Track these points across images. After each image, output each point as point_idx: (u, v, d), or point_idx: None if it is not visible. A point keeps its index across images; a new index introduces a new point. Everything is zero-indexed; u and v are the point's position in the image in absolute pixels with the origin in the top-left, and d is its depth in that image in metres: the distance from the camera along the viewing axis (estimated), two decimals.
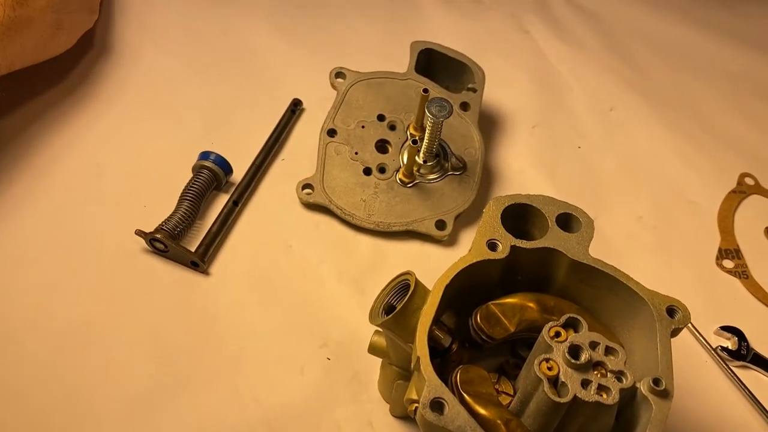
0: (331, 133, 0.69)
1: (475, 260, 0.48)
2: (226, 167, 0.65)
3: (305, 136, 0.73)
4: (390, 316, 0.45)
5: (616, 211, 0.75)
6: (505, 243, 0.50)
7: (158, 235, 0.58)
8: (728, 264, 0.72)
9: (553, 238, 0.51)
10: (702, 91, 0.91)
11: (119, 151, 0.68)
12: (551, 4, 1.01)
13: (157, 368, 0.54)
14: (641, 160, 0.81)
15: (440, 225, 0.66)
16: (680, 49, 0.97)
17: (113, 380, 0.53)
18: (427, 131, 0.64)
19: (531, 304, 0.50)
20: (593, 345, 0.44)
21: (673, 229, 0.75)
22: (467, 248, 0.67)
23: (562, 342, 0.44)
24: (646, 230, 0.74)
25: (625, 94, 0.89)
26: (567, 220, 0.53)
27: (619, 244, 0.72)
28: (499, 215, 0.51)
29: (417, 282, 0.47)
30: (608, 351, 0.44)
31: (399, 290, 0.48)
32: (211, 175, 0.64)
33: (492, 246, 0.50)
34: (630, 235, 0.73)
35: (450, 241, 0.67)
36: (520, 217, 0.54)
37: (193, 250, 0.60)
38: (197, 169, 0.64)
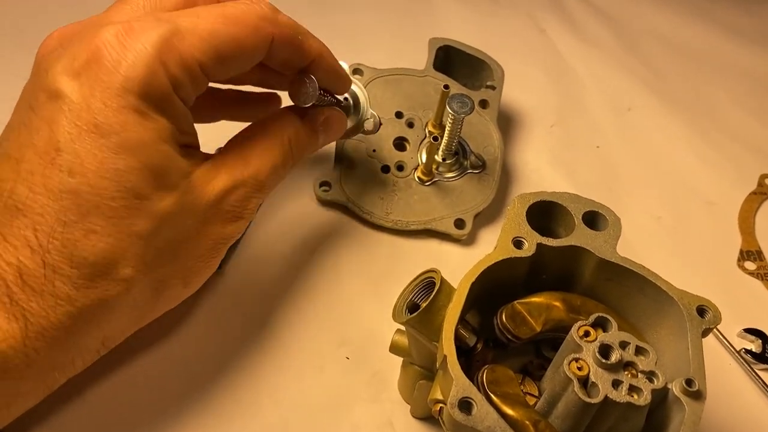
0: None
1: (501, 258, 0.47)
2: None
3: None
4: (415, 314, 0.44)
5: (635, 212, 0.74)
6: (531, 241, 0.49)
7: None
8: (750, 266, 0.71)
9: (579, 236, 0.50)
10: (720, 92, 0.90)
11: None
12: (567, 3, 1.00)
13: (172, 368, 0.54)
14: (660, 161, 0.80)
15: (459, 224, 0.65)
16: (697, 49, 0.96)
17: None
18: (447, 128, 0.63)
19: (557, 304, 0.49)
20: (623, 345, 0.43)
21: (692, 230, 0.74)
22: (486, 248, 0.67)
23: (591, 342, 0.43)
24: (665, 231, 0.73)
25: (643, 93, 0.88)
26: (593, 219, 0.52)
27: (639, 245, 0.71)
28: (524, 212, 0.50)
29: (443, 280, 0.46)
30: (639, 351, 0.43)
31: (423, 288, 0.48)
32: None
33: (518, 244, 0.49)
34: (649, 235, 0.72)
35: (469, 241, 0.66)
36: (545, 214, 0.53)
37: None
38: None
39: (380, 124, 0.60)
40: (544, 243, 0.49)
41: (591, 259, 0.50)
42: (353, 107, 0.58)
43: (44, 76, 0.37)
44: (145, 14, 0.41)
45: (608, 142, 0.81)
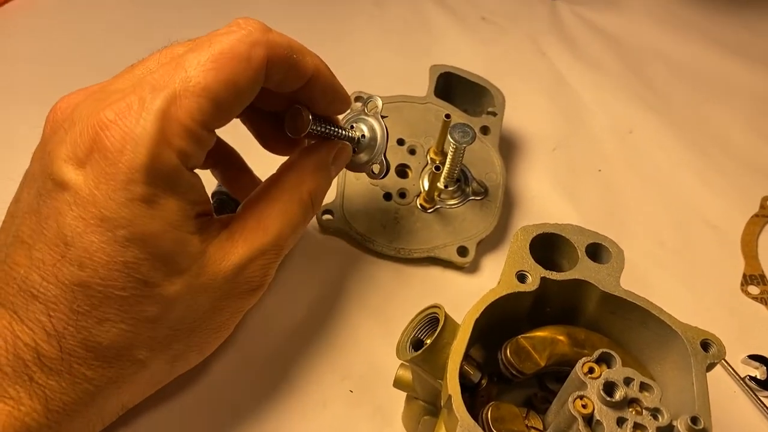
0: None
1: (504, 293, 0.47)
2: None
3: None
4: (419, 352, 0.44)
5: (638, 236, 0.74)
6: (535, 274, 0.49)
7: None
8: (753, 290, 0.71)
9: (583, 269, 0.50)
10: (722, 113, 0.90)
11: None
12: (568, 25, 1.00)
13: (172, 403, 0.54)
14: (662, 184, 0.80)
15: (462, 251, 0.65)
16: (699, 70, 0.97)
17: None
18: (448, 157, 0.64)
19: (561, 338, 0.49)
20: (627, 381, 0.43)
21: (696, 254, 0.74)
22: (489, 275, 0.67)
23: (595, 378, 0.43)
24: (669, 255, 0.73)
25: (645, 115, 0.88)
26: (596, 251, 0.52)
27: (643, 270, 0.71)
28: (528, 245, 0.51)
29: (446, 316, 0.46)
30: (643, 387, 0.43)
31: (427, 324, 0.48)
32: (231, 203, 0.63)
33: (521, 278, 0.49)
34: (653, 260, 0.72)
35: (472, 268, 0.66)
36: (548, 246, 0.53)
37: None
38: (217, 195, 0.63)
39: (387, 171, 0.55)
40: (548, 277, 0.49)
41: (594, 292, 0.50)
42: (368, 144, 0.53)
43: (50, 162, 0.37)
44: (140, 83, 0.38)
45: (610, 165, 0.81)
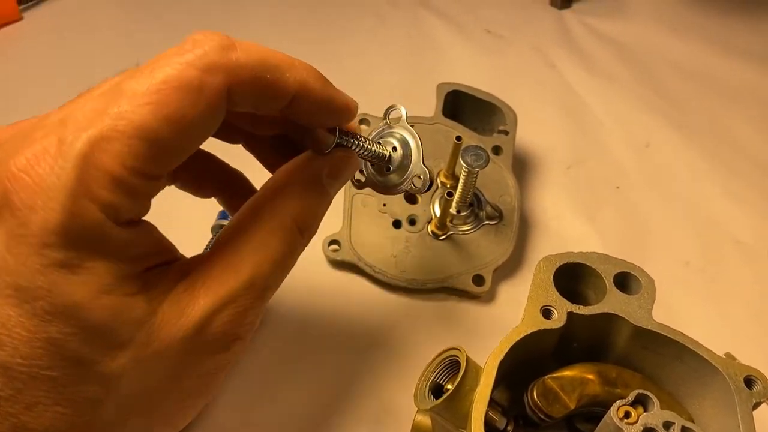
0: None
1: (529, 331, 0.45)
2: None
3: None
4: (440, 400, 0.42)
5: (661, 256, 0.72)
6: (561, 310, 0.46)
7: None
8: None
9: (612, 302, 0.47)
10: (742, 121, 0.88)
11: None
12: (575, 34, 0.98)
13: None
14: (684, 199, 0.78)
15: (478, 280, 0.62)
16: (715, 77, 0.94)
17: None
18: (461, 181, 0.61)
19: (591, 377, 0.46)
20: (667, 425, 0.41)
21: (723, 273, 0.71)
22: (507, 304, 0.64)
23: (633, 424, 0.41)
24: (695, 276, 0.70)
25: (661, 127, 0.86)
26: (625, 280, 0.50)
27: (668, 293, 0.68)
28: (551, 277, 0.48)
29: (468, 360, 0.43)
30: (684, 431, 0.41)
31: (446, 367, 0.45)
32: None
33: (546, 313, 0.46)
34: (678, 282, 0.70)
35: (488, 297, 0.64)
36: (572, 276, 0.51)
37: None
38: (217, 230, 0.61)
39: (431, 181, 0.45)
40: (575, 311, 0.46)
41: (625, 326, 0.47)
42: (401, 159, 0.44)
43: None
44: (66, 119, 0.31)
45: (628, 181, 0.78)
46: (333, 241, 0.64)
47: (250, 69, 0.34)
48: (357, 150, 0.42)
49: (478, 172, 0.60)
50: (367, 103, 0.75)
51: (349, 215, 0.65)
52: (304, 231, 0.39)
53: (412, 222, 0.65)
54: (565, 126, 0.84)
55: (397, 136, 0.45)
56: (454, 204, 0.64)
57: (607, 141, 0.83)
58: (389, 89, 0.85)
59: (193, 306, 0.34)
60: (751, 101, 0.91)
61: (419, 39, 0.94)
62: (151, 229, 0.35)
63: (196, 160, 0.39)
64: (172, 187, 0.47)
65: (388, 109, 0.47)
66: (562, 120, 0.85)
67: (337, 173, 0.42)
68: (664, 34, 1.01)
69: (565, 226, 0.72)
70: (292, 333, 0.59)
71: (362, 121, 0.68)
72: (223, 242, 0.37)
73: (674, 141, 0.84)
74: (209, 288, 0.35)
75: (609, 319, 0.47)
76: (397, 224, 0.65)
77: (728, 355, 0.63)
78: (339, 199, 0.66)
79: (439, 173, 0.68)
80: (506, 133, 0.71)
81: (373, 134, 0.47)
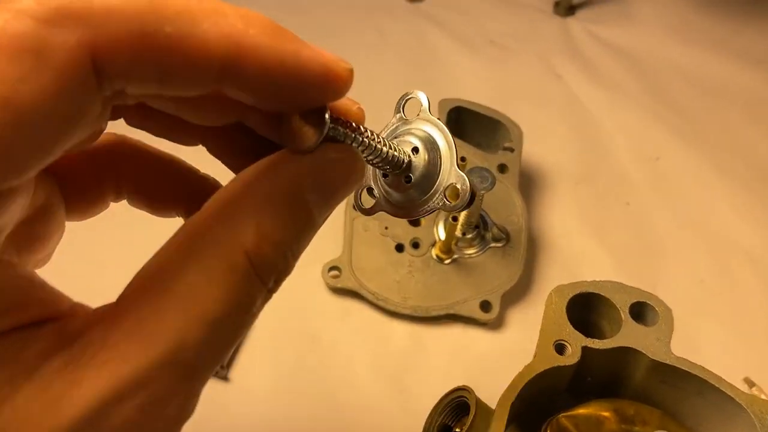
0: None
1: (542, 369, 0.43)
2: None
3: None
4: None
5: (674, 275, 0.70)
6: (575, 344, 0.44)
7: None
8: None
9: (628, 335, 0.45)
10: (754, 131, 0.86)
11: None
12: (581, 43, 0.97)
13: None
14: (696, 214, 0.76)
15: (485, 306, 0.60)
16: (726, 87, 0.92)
17: None
18: None
19: (607, 414, 0.44)
20: None
21: (739, 293, 0.69)
22: (517, 331, 0.62)
23: None
24: (710, 296, 0.68)
25: (671, 140, 0.84)
26: (641, 311, 0.47)
27: (682, 314, 0.65)
28: (564, 309, 0.46)
29: (478, 402, 0.41)
30: None
31: (454, 408, 0.43)
32: None
33: (560, 348, 0.44)
34: (693, 302, 0.68)
35: (496, 324, 0.62)
36: (585, 305, 0.48)
37: None
38: None
39: (473, 193, 0.30)
40: (590, 346, 0.44)
41: (643, 360, 0.45)
42: (427, 165, 0.30)
43: None
44: None
45: (639, 196, 0.76)
46: (333, 267, 0.62)
47: (131, 18, 0.21)
48: (360, 149, 0.27)
49: (483, 194, 0.58)
50: (366, 120, 0.74)
51: (350, 239, 0.63)
52: (265, 273, 0.25)
53: (415, 245, 0.63)
54: (572, 140, 0.82)
55: (419, 133, 0.31)
56: (459, 227, 0.62)
57: (616, 155, 0.81)
58: (389, 105, 0.83)
59: (77, 392, 0.22)
60: (766, 112, 0.89)
61: (421, 52, 0.92)
62: (11, 271, 0.24)
63: (147, 163, 0.31)
64: (123, 203, 0.33)
65: (402, 98, 0.33)
66: (569, 134, 0.83)
67: (326, 184, 0.27)
68: (673, 42, 0.99)
69: (574, 245, 0.70)
70: (288, 366, 0.57)
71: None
72: (136, 290, 0.24)
73: (685, 154, 0.82)
74: (105, 363, 0.22)
75: (625, 352, 0.45)
76: (399, 248, 0.63)
77: (747, 380, 0.61)
78: (339, 221, 0.64)
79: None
80: (512, 150, 0.69)
81: (384, 135, 0.32)
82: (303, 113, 0.26)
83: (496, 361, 0.59)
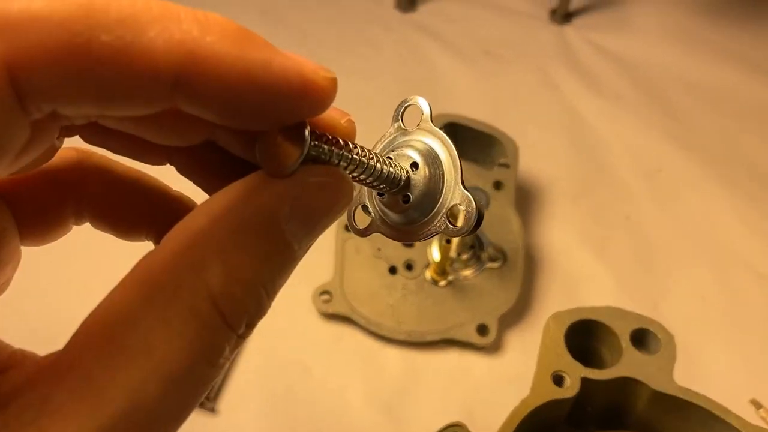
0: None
1: (539, 403, 0.41)
2: None
3: None
4: None
5: (677, 292, 0.68)
6: (574, 375, 0.43)
7: None
8: None
9: (629, 364, 0.44)
10: (757, 142, 0.85)
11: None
12: (578, 52, 0.95)
13: None
14: (699, 228, 0.74)
15: (482, 330, 0.59)
16: (727, 95, 0.91)
17: None
18: None
19: None
20: None
21: (744, 310, 0.67)
22: (515, 355, 0.61)
23: None
24: (713, 313, 0.67)
25: (673, 151, 0.82)
26: (643, 337, 0.46)
27: (684, 333, 0.63)
28: (563, 337, 0.44)
29: None
30: None
31: None
32: None
33: (558, 380, 0.43)
34: (695, 320, 0.66)
35: (494, 347, 0.60)
36: (585, 332, 0.47)
37: None
38: None
39: (480, 214, 0.26)
40: (589, 377, 0.43)
41: (645, 390, 0.44)
42: (428, 183, 0.27)
43: None
44: None
45: (640, 210, 0.75)
46: (324, 292, 0.60)
47: (57, 27, 0.18)
48: (347, 168, 0.25)
49: None
50: (358, 136, 0.72)
51: (341, 262, 0.61)
52: (235, 318, 0.22)
53: (409, 267, 0.62)
54: (570, 152, 0.81)
55: (419, 145, 0.28)
56: (453, 248, 0.60)
57: (616, 167, 0.80)
58: (381, 120, 0.82)
59: None
60: (766, 118, 0.88)
61: (414, 64, 0.91)
62: None
63: (111, 181, 0.28)
64: (85, 226, 0.30)
65: (401, 105, 0.29)
66: (567, 146, 0.81)
67: (307, 212, 0.24)
68: (672, 48, 0.97)
69: (574, 262, 0.68)
70: (278, 397, 0.55)
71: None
72: (84, 340, 0.21)
73: (687, 165, 0.81)
74: (44, 427, 0.19)
75: (626, 382, 0.44)
76: (393, 270, 0.62)
77: (754, 401, 0.59)
78: (329, 243, 0.63)
79: None
80: (507, 166, 0.68)
81: (379, 147, 0.30)
82: (280, 131, 0.23)
83: (494, 387, 0.58)
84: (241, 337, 0.22)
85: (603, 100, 0.88)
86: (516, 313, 0.62)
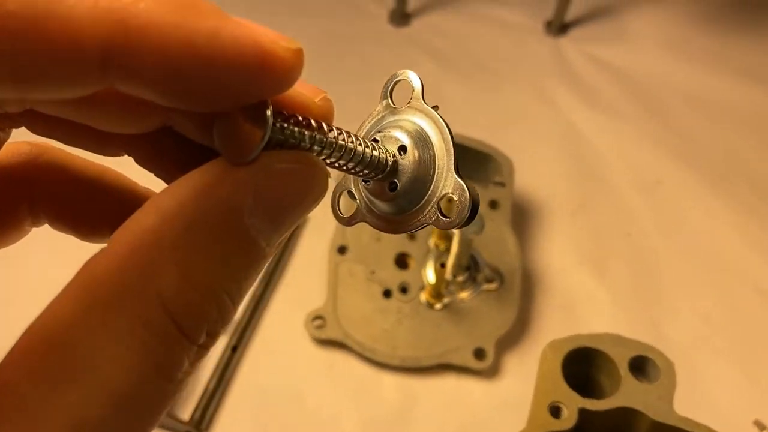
0: (342, 250, 0.62)
1: None
2: None
3: (312, 252, 0.66)
4: None
5: (678, 311, 0.67)
6: (571, 405, 0.42)
7: None
8: None
9: (628, 393, 0.43)
10: (757, 153, 0.84)
11: None
12: (574, 64, 0.95)
13: None
14: (699, 244, 0.73)
15: (479, 354, 0.58)
16: (725, 104, 0.90)
17: None
18: (454, 247, 0.57)
19: None
20: None
21: (747, 327, 0.67)
22: (513, 379, 0.60)
23: None
24: (716, 333, 0.66)
25: (672, 163, 0.82)
26: (642, 365, 0.45)
27: (687, 354, 0.64)
28: (560, 367, 0.44)
29: None
30: None
31: None
32: None
33: (555, 411, 0.42)
34: (698, 340, 0.65)
35: (492, 371, 0.59)
36: (583, 360, 0.46)
37: (187, 417, 0.52)
38: None
39: (474, 204, 0.23)
40: (587, 407, 0.42)
41: (644, 420, 0.43)
42: (416, 167, 0.25)
43: None
44: None
45: (640, 226, 0.74)
46: (317, 317, 0.59)
47: None
48: (322, 152, 0.22)
49: (472, 239, 0.55)
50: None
51: (334, 285, 0.61)
52: (193, 327, 0.20)
53: (403, 290, 0.61)
54: (567, 168, 0.80)
55: (408, 126, 0.26)
56: (448, 270, 0.59)
57: (615, 182, 0.79)
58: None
59: None
60: (766, 129, 0.87)
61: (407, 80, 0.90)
62: None
63: (69, 179, 0.26)
64: (44, 228, 0.27)
65: (390, 80, 0.27)
66: (563, 161, 0.81)
67: (273, 204, 0.21)
68: (669, 59, 0.97)
69: (573, 282, 0.68)
70: (272, 425, 0.55)
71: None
72: (22, 356, 0.19)
73: (687, 178, 0.80)
74: None
75: (626, 412, 0.43)
76: (387, 294, 0.61)
77: (758, 422, 0.58)
78: (322, 265, 0.62)
79: (430, 234, 0.64)
80: (503, 184, 0.67)
81: (366, 127, 0.27)
82: (240, 111, 0.20)
83: (492, 413, 0.57)
84: (203, 347, 0.21)
85: (600, 114, 0.87)
86: (514, 336, 0.62)
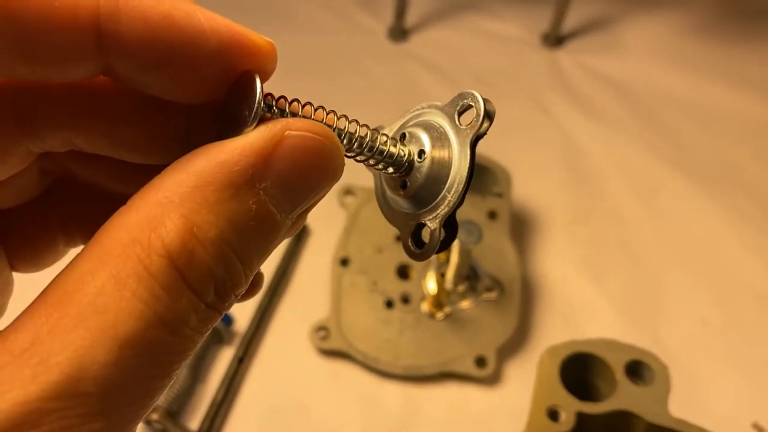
0: (345, 262, 0.64)
1: None
2: (224, 319, 0.60)
3: (314, 265, 0.68)
4: None
5: (675, 316, 0.69)
6: (569, 409, 0.44)
7: (154, 416, 0.53)
8: None
9: (623, 396, 0.45)
10: (753, 161, 0.86)
11: None
12: (570, 76, 0.97)
13: None
14: (697, 251, 0.75)
15: (480, 362, 0.60)
16: (721, 114, 0.93)
17: None
18: (453, 257, 0.59)
19: None
20: None
21: (745, 332, 0.68)
22: (515, 386, 0.62)
23: None
24: (714, 337, 0.68)
25: (668, 172, 0.84)
26: (637, 369, 0.47)
27: (685, 359, 0.66)
28: (558, 372, 0.46)
29: None
30: None
31: None
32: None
33: (553, 415, 0.44)
34: (696, 344, 0.67)
35: (493, 379, 0.61)
36: (580, 364, 0.48)
37: (195, 428, 0.54)
38: None
39: (440, 247, 0.24)
40: (584, 411, 0.44)
41: (640, 422, 0.45)
42: (428, 173, 0.24)
43: None
44: None
45: (637, 235, 0.76)
46: (321, 328, 0.61)
47: None
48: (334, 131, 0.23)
49: (471, 249, 0.58)
50: (350, 169, 0.74)
51: (337, 297, 0.63)
52: (198, 281, 0.20)
53: (405, 300, 0.63)
54: (564, 178, 0.82)
55: (439, 128, 0.25)
56: (449, 278, 0.61)
57: (612, 192, 0.81)
58: None
59: None
60: (765, 139, 0.89)
61: (407, 95, 0.93)
62: None
63: (98, 199, 0.27)
64: None
65: (460, 98, 0.26)
66: (561, 172, 0.83)
67: (285, 170, 0.22)
68: (665, 69, 0.99)
69: (571, 290, 0.70)
70: (276, 427, 0.57)
71: (347, 192, 0.66)
72: (33, 306, 0.20)
73: (684, 188, 0.82)
74: None
75: (622, 415, 0.45)
76: (389, 304, 0.63)
77: (756, 425, 0.60)
78: (325, 278, 0.64)
79: None
80: (500, 195, 0.69)
81: (406, 118, 0.28)
82: (232, 88, 0.22)
83: (494, 420, 0.59)
84: (213, 308, 0.21)
85: (596, 124, 0.89)
86: (514, 344, 0.64)
